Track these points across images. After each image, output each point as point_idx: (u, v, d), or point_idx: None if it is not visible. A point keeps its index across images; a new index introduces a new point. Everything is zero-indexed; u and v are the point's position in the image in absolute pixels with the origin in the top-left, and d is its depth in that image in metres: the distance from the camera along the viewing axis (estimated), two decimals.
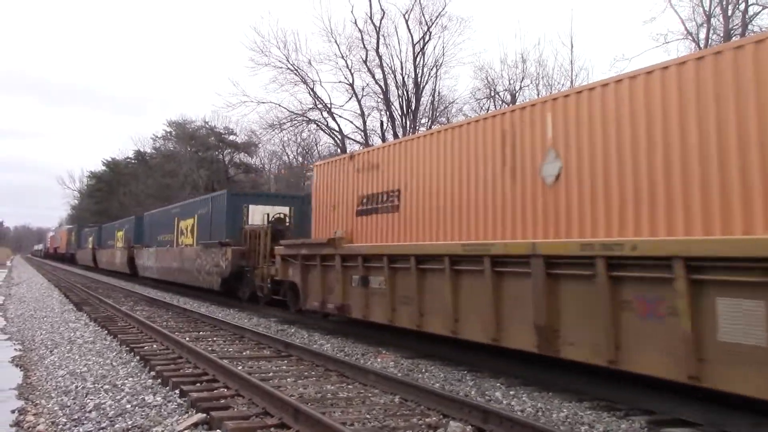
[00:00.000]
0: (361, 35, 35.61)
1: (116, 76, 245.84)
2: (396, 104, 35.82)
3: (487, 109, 32.36)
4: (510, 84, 33.58)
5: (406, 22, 35.40)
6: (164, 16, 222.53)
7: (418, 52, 35.86)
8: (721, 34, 26.27)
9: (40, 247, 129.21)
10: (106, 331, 13.25)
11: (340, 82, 37.14)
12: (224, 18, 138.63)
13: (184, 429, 6.18)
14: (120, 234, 37.77)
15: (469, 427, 6.20)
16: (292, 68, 36.21)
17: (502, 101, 32.81)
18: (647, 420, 6.65)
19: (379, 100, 36.13)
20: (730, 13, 26.80)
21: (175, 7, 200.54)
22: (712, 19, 27.07)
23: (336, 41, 36.47)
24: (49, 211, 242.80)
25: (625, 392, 7.38)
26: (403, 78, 35.79)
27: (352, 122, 37.23)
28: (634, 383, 7.56)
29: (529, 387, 8.12)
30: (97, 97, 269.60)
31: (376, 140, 35.14)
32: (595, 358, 7.23)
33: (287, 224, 18.93)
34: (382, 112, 36.26)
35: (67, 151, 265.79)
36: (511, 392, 7.83)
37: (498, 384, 8.31)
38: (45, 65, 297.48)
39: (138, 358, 10.10)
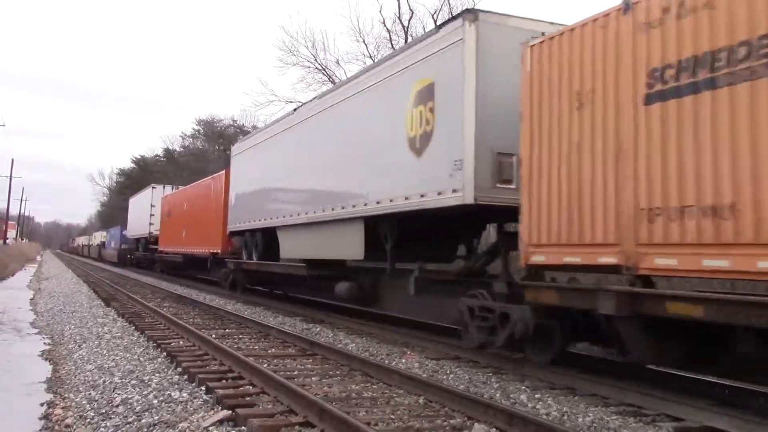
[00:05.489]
0: (389, 35, 35.67)
1: (146, 76, 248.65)
2: None
3: None
4: None
5: (435, 21, 35.30)
6: (195, 16, 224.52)
7: None
8: None
9: (98, 238, 69.80)
10: (134, 327, 13.39)
11: None
12: (253, 18, 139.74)
13: (210, 425, 6.21)
14: None
15: (494, 429, 6.16)
16: (320, 68, 36.48)
17: None
18: (675, 427, 6.56)
19: None
20: None
21: (205, 7, 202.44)
22: None
23: (364, 41, 36.60)
24: (79, 209, 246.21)
25: (652, 398, 7.28)
26: None
27: None
28: (663, 388, 7.48)
29: (555, 391, 8.05)
30: (128, 97, 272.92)
31: None
32: None
33: None
34: None
35: (98, 150, 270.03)
36: (537, 395, 7.77)
37: (523, 387, 8.25)
38: (76, 67, 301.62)
39: (165, 354, 10.19)
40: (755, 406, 7.12)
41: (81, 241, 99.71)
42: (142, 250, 41.96)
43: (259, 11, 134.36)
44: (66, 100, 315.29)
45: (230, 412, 6.55)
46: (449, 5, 34.87)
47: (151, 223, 37.47)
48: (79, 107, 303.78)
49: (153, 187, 39.05)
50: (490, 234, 12.32)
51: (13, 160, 68.21)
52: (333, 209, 13.92)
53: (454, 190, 9.72)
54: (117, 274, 37.16)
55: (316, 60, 36.65)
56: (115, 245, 53.00)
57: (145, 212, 39.04)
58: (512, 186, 9.38)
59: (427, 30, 22.87)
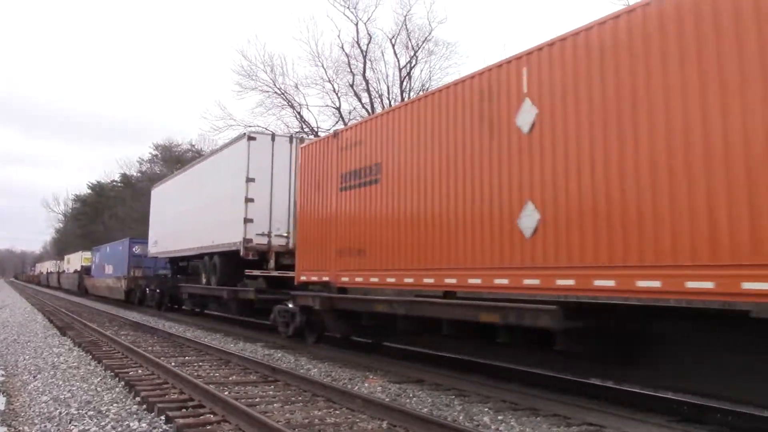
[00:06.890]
0: (348, 59, 35.95)
1: (102, 100, 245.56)
2: None
3: None
4: None
5: (393, 46, 35.77)
6: (150, 40, 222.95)
7: (405, 77, 36.20)
8: None
9: (76, 262, 52.36)
10: (91, 356, 13.11)
11: (326, 105, 37.49)
12: (211, 42, 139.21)
13: None
14: None
15: None
16: (279, 92, 36.51)
17: None
18: None
19: None
20: None
21: (161, 31, 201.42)
22: None
23: (323, 65, 36.81)
24: (34, 234, 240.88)
25: (613, 416, 7.37)
26: (390, 102, 36.05)
27: None
28: (624, 406, 7.57)
29: (518, 412, 8.09)
30: (84, 121, 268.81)
31: None
32: None
33: None
34: None
35: (53, 175, 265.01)
36: (500, 417, 7.80)
37: (486, 408, 8.27)
38: (29, 91, 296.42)
39: (123, 383, 9.99)
40: (713, 422, 7.25)
41: (46, 267, 78.21)
42: (215, 280, 20.21)
43: (217, 36, 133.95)
44: (20, 124, 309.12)
45: None
46: (407, 30, 35.32)
47: (248, 220, 17.72)
48: (33, 131, 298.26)
49: (250, 138, 18.12)
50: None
51: None
52: None
53: None
54: (74, 302, 36.23)
55: (275, 84, 36.74)
56: (116, 272, 33.68)
57: (221, 200, 19.53)
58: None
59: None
